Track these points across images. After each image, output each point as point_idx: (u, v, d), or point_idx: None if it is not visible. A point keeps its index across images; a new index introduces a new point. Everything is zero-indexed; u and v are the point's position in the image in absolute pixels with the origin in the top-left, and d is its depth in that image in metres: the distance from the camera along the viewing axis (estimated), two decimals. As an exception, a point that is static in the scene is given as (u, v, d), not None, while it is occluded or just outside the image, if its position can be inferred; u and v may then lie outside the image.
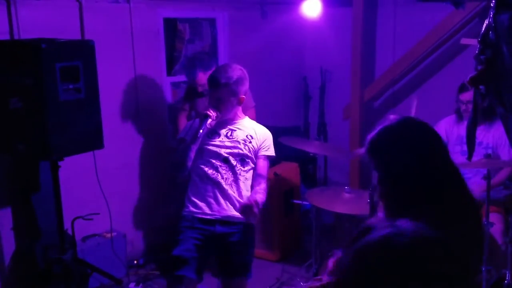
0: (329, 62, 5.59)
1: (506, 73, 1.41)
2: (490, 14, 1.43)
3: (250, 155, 3.14)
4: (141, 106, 4.46)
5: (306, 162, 5.39)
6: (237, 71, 3.11)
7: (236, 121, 3.22)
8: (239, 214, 2.99)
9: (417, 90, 5.06)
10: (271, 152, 3.22)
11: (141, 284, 4.17)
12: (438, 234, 1.23)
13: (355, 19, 5.05)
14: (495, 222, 3.43)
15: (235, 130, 3.19)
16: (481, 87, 1.59)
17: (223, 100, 3.08)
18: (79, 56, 3.26)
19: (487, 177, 3.26)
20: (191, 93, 4.31)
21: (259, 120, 4.84)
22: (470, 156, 1.64)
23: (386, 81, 5.10)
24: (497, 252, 3.51)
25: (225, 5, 5.03)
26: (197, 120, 3.15)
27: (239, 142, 3.13)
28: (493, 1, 1.41)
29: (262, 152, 3.17)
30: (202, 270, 3.10)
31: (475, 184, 3.81)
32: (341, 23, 5.24)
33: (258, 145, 3.16)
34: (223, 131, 3.18)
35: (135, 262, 4.48)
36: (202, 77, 4.00)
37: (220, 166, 3.11)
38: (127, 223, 4.50)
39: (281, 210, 4.71)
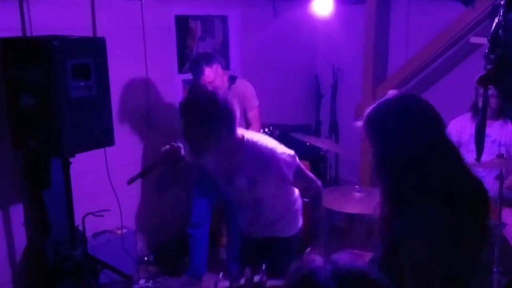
0: (341, 60, 5.56)
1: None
2: (500, 12, 1.41)
3: None
4: (152, 103, 4.47)
5: (317, 160, 5.36)
6: None
7: None
8: None
9: (430, 88, 5.02)
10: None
11: (151, 281, 4.17)
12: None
13: (368, 17, 5.01)
14: (507, 223, 3.38)
15: None
16: (490, 86, 1.57)
17: None
18: (90, 53, 3.28)
19: (500, 177, 3.22)
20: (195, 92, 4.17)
21: (269, 119, 4.85)
22: (479, 157, 1.62)
23: (399, 80, 5.05)
24: (509, 253, 3.46)
25: (237, 2, 5.02)
26: None
27: None
28: (504, 0, 1.39)
29: None
30: None
31: (488, 184, 3.76)
32: (354, 21, 5.21)
33: None
34: None
35: (146, 258, 4.49)
36: (209, 73, 3.82)
37: None
38: (137, 219, 4.52)
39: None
